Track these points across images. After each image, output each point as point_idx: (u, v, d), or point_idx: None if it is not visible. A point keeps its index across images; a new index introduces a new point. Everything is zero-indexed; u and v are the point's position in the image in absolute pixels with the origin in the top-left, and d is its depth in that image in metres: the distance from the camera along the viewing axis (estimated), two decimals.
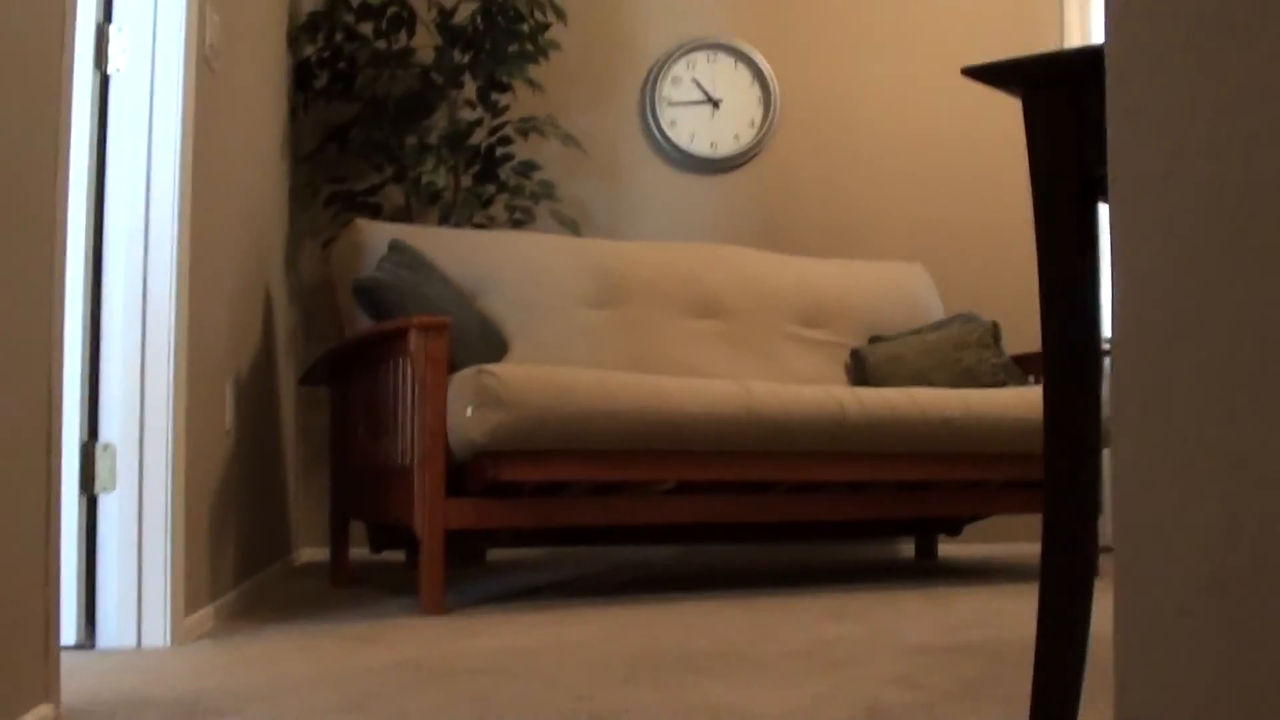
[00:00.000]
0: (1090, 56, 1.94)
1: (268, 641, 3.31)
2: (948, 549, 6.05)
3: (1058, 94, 1.99)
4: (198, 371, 3.51)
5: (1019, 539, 6.11)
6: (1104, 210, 2.79)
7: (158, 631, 3.24)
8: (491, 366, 3.91)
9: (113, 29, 3.29)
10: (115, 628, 3.23)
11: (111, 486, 3.24)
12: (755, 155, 6.10)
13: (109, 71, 3.29)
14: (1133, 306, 1.34)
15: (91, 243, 3.23)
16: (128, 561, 3.24)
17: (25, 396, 2.19)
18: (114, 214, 3.27)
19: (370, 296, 4.25)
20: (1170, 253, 1.30)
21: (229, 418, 3.93)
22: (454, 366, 4.25)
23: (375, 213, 5.47)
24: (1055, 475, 2.02)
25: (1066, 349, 2.05)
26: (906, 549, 6.07)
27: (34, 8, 2.22)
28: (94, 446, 3.23)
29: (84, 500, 3.22)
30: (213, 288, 3.71)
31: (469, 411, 3.83)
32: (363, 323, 4.51)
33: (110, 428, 3.25)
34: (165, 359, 3.27)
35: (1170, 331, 1.30)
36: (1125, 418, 1.33)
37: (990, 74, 2.01)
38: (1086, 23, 6.33)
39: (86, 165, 3.21)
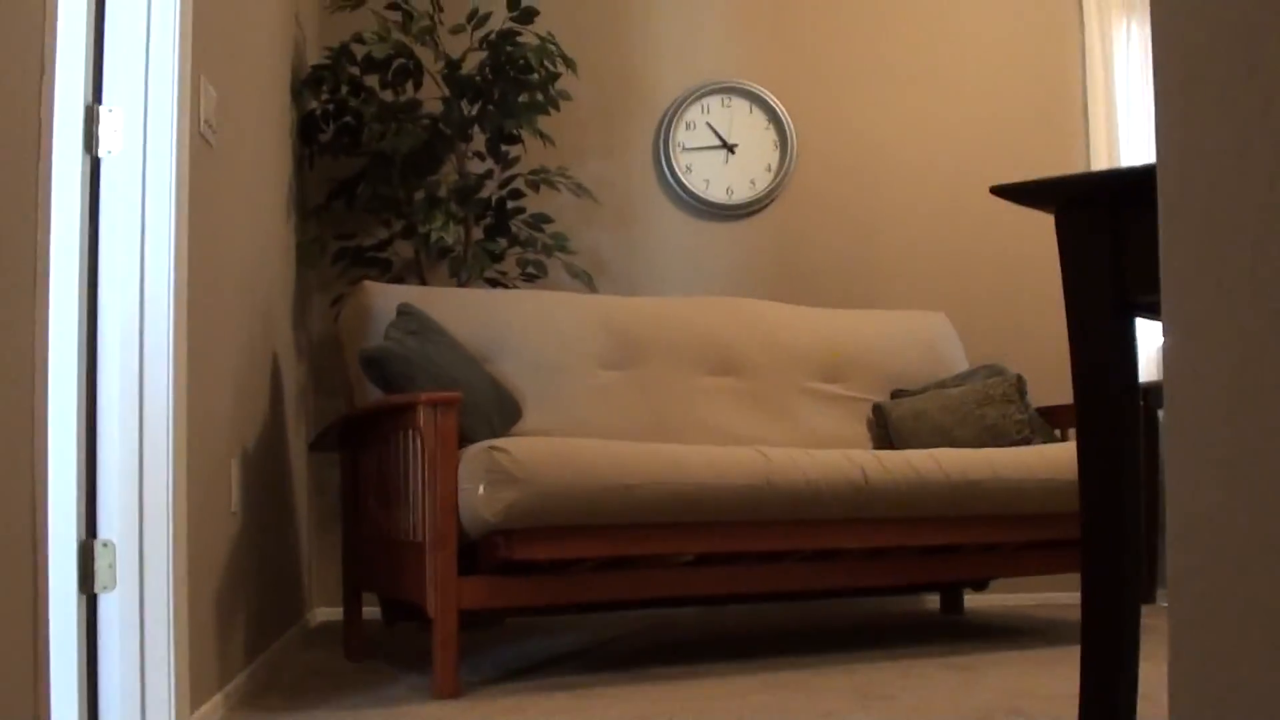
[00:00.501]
0: (1125, 178, 1.83)
1: None
2: (974, 600, 5.93)
3: (1092, 214, 1.88)
4: (200, 456, 3.40)
5: (1045, 589, 5.98)
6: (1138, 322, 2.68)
7: None
8: (503, 442, 3.80)
9: (103, 110, 3.19)
10: None
11: (112, 585, 3.13)
12: (772, 200, 5.99)
13: (99, 154, 3.18)
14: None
15: (85, 333, 3.12)
16: (130, 661, 3.14)
17: (8, 495, 2.09)
18: (107, 303, 3.16)
19: (379, 368, 4.15)
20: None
21: (235, 497, 3.83)
22: (466, 435, 4.15)
23: (384, 268, 5.37)
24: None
25: (1104, 465, 1.94)
26: (932, 601, 5.94)
27: (5, 89, 2.11)
28: (93, 545, 3.12)
29: (83, 600, 3.11)
30: (215, 366, 3.61)
31: (481, 489, 3.73)
32: (372, 392, 4.41)
33: (109, 525, 3.14)
34: (164, 450, 3.16)
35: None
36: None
37: (1022, 193, 1.90)
38: (1109, 66, 6.20)
39: (77, 253, 3.10)
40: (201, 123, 3.49)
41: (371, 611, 5.45)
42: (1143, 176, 1.79)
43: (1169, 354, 1.29)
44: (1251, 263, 1.17)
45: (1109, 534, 1.97)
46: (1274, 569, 1.16)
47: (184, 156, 3.27)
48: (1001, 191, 1.90)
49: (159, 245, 3.20)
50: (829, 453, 4.30)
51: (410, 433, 3.94)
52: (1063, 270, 1.92)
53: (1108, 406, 1.93)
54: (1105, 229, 1.87)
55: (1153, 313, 1.96)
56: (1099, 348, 1.93)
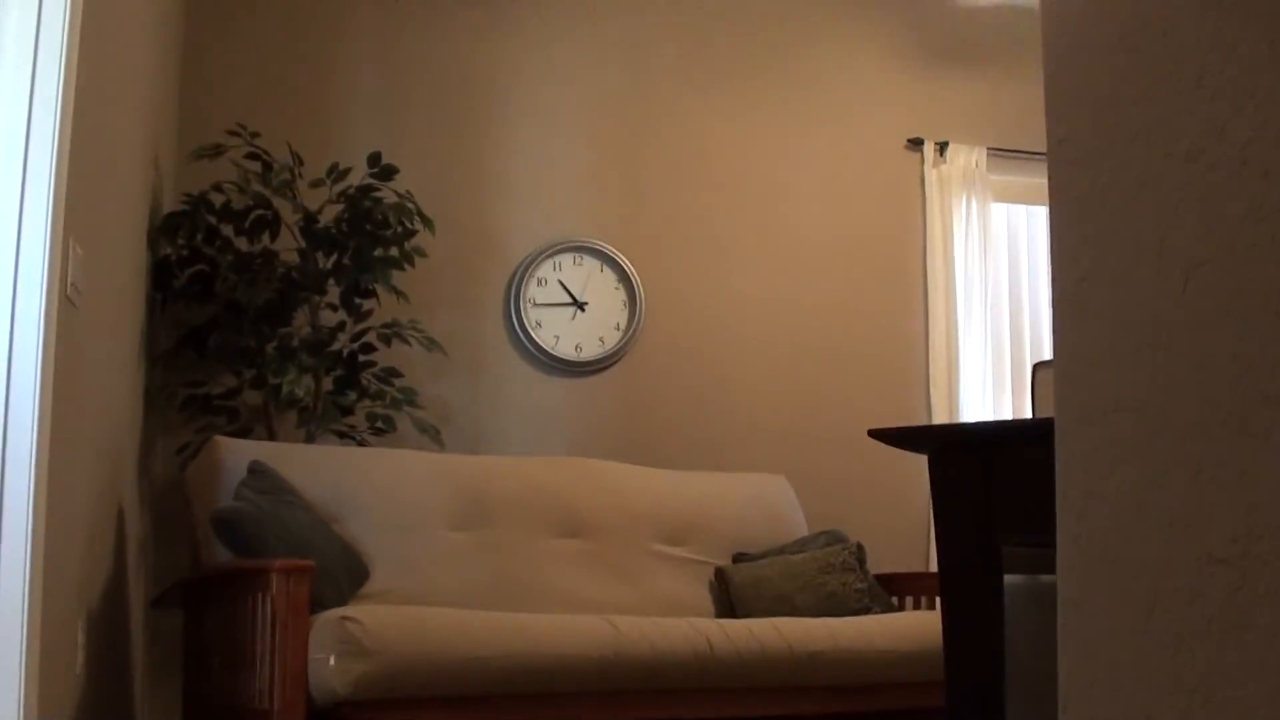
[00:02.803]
0: (995, 430, 1.93)
1: None
2: None
3: (964, 458, 1.99)
4: (50, 621, 3.35)
5: None
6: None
7: None
8: (355, 612, 3.81)
9: None
10: None
11: None
12: (620, 358, 6.09)
13: None
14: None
15: None
16: None
17: None
18: None
19: (231, 530, 4.13)
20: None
21: (80, 660, 3.77)
22: (315, 599, 4.13)
23: (232, 416, 5.34)
24: None
25: (971, 710, 2.03)
26: None
27: None
28: None
29: None
30: (69, 528, 3.57)
31: (332, 660, 3.72)
32: (220, 552, 4.38)
33: None
34: (18, 620, 3.12)
35: None
36: None
37: (898, 438, 2.00)
38: (949, 238, 6.43)
39: None
40: (69, 285, 3.48)
41: None
42: (1012, 430, 1.89)
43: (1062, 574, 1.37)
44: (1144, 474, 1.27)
45: None
46: None
47: (52, 325, 3.26)
48: (880, 435, 2.00)
49: (23, 413, 3.18)
50: (675, 622, 4.37)
51: (261, 597, 3.92)
52: (935, 509, 2.02)
53: (976, 646, 2.02)
54: (976, 472, 1.98)
55: (1022, 547, 2.07)
56: (968, 587, 2.02)
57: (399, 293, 5.40)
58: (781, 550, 5.34)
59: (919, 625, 4.68)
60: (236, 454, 4.65)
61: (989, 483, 1.97)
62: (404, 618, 3.87)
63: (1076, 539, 1.37)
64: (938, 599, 4.54)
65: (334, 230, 5.30)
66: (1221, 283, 1.16)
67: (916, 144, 6.60)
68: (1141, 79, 1.24)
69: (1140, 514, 1.27)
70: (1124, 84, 1.25)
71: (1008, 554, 2.20)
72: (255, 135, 5.32)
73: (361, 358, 5.42)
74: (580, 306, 6.05)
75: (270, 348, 5.23)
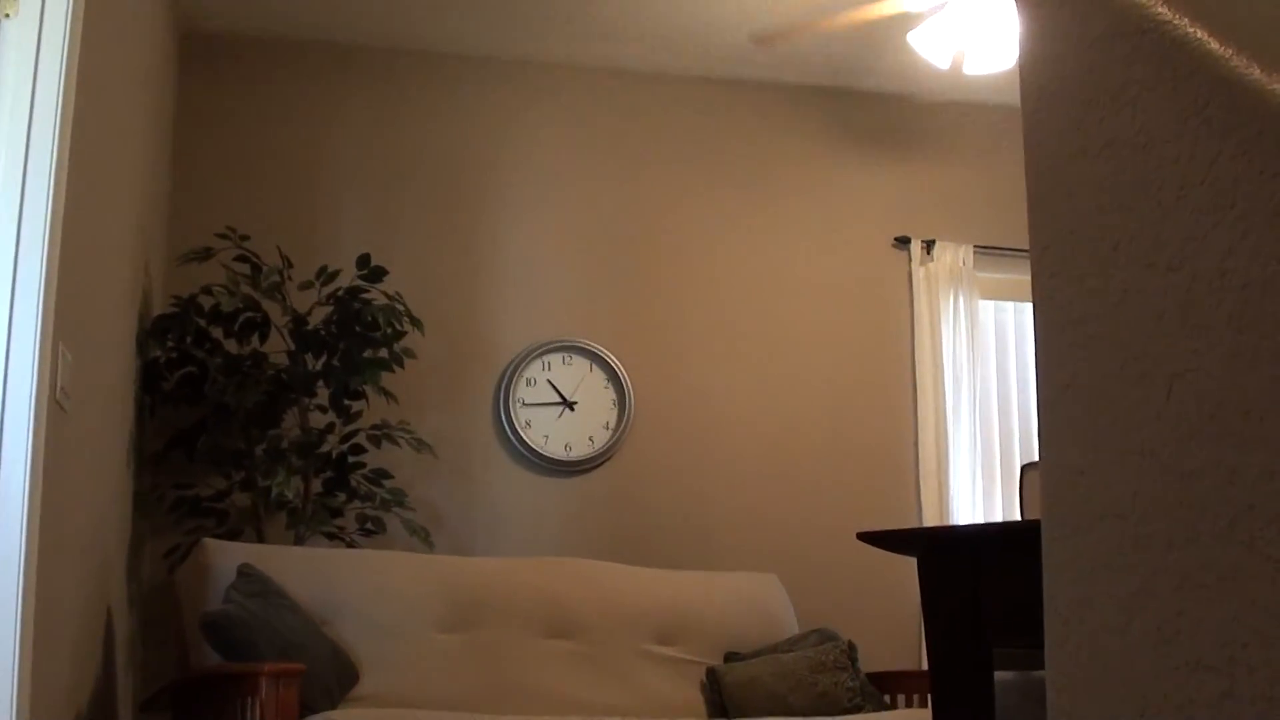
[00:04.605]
0: (983, 533, 1.94)
1: None
2: None
3: (954, 562, 1.99)
4: None
5: None
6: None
7: None
8: (342, 715, 3.80)
9: None
10: None
11: None
12: (610, 458, 6.10)
13: None
14: None
15: None
16: None
17: None
18: None
19: (220, 633, 4.12)
20: None
21: None
22: (305, 702, 4.11)
23: (221, 518, 5.33)
24: None
25: None
26: None
27: None
28: None
29: None
30: (57, 636, 3.56)
31: None
32: (210, 655, 4.35)
33: None
34: None
35: None
36: None
37: (887, 540, 2.01)
38: (937, 335, 6.47)
39: None
40: (58, 390, 3.49)
41: None
42: (1000, 532, 1.90)
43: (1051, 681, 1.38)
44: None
45: None
46: None
47: (40, 430, 3.26)
48: (869, 539, 2.00)
49: (11, 517, 3.17)
50: None
51: (250, 701, 3.89)
52: (924, 609, 2.02)
53: None
54: (965, 574, 1.98)
55: (1010, 647, 2.07)
56: (958, 677, 2.02)
57: (388, 394, 5.41)
58: (773, 649, 5.31)
59: None
60: (225, 556, 4.63)
61: (978, 584, 1.97)
62: None
63: (1064, 645, 1.38)
64: (929, 697, 4.53)
65: (323, 332, 5.32)
66: (1204, 392, 1.17)
67: (903, 242, 6.65)
68: (1123, 190, 1.26)
69: (1128, 621, 1.28)
70: (1105, 194, 1.27)
71: (999, 650, 2.20)
72: (245, 238, 5.35)
73: (351, 459, 5.42)
74: (570, 406, 6.06)
75: (259, 450, 5.23)
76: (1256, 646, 1.14)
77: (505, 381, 6.01)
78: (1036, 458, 1.69)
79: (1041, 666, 1.51)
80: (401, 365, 5.41)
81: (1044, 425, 1.38)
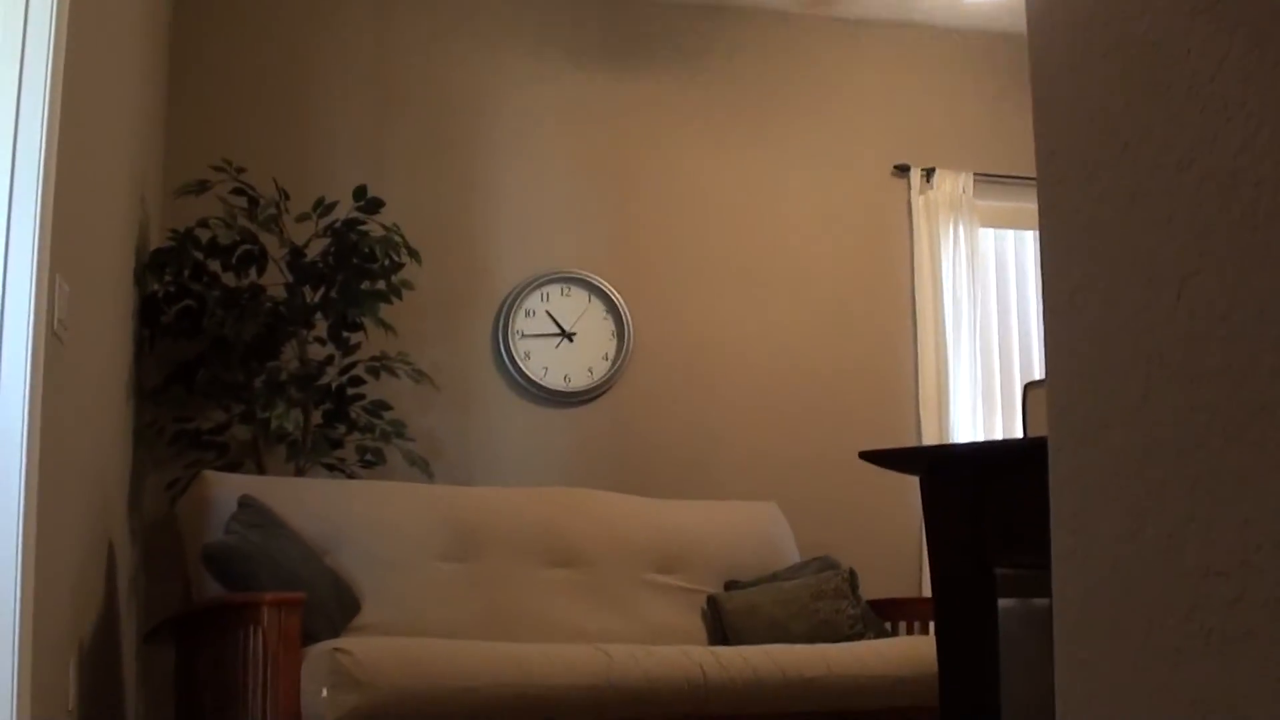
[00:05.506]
0: (986, 450, 1.93)
1: None
2: None
3: (956, 481, 1.98)
4: (42, 659, 3.34)
5: None
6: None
7: None
8: (346, 643, 3.79)
9: None
10: None
11: None
12: (609, 388, 6.09)
13: None
14: None
15: None
16: None
17: None
18: None
19: (221, 564, 4.12)
20: None
21: (72, 697, 3.75)
22: (307, 632, 4.11)
23: (222, 451, 5.33)
24: None
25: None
26: None
27: None
28: None
29: None
30: (58, 565, 3.55)
31: (324, 692, 3.70)
32: (211, 587, 4.36)
33: None
34: (9, 656, 3.10)
35: None
36: None
37: (889, 459, 2.00)
38: (937, 264, 6.45)
39: None
40: (55, 322, 3.47)
41: None
42: (1003, 450, 1.89)
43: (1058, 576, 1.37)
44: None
45: None
46: None
47: (39, 361, 3.25)
48: (871, 457, 1.99)
49: (10, 448, 3.17)
50: (668, 650, 4.35)
51: (252, 631, 3.90)
52: (927, 530, 2.01)
53: (971, 669, 2.01)
54: (968, 492, 1.97)
55: (1013, 567, 2.06)
56: (962, 612, 2.01)
57: (387, 326, 5.39)
58: (774, 577, 5.32)
59: (913, 650, 4.67)
60: (226, 488, 4.63)
61: (981, 503, 1.96)
62: (396, 649, 3.85)
63: (1071, 556, 1.37)
64: (931, 624, 4.54)
65: (321, 264, 5.29)
66: (1214, 293, 1.15)
67: (903, 170, 6.61)
68: (1131, 90, 1.23)
69: (1137, 529, 1.27)
70: (1113, 96, 1.25)
71: (1001, 578, 2.19)
72: (241, 170, 5.32)
73: (350, 391, 5.41)
74: (568, 337, 6.04)
75: (258, 382, 5.22)
76: (1268, 550, 1.13)
77: (504, 313, 5.99)
78: (1039, 379, 1.67)
79: (1044, 593, 1.50)
80: (400, 297, 5.39)
81: (1050, 333, 1.36)
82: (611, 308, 6.10)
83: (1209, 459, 1.18)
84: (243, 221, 5.23)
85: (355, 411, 5.41)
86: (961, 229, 6.51)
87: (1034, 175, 1.39)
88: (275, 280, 5.35)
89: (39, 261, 3.26)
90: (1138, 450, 1.26)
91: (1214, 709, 1.17)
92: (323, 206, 5.34)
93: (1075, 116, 1.30)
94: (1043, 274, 1.36)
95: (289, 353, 5.39)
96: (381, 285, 5.33)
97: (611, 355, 6.08)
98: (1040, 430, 1.75)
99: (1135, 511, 1.26)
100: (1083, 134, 1.29)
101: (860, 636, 4.98)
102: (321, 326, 5.43)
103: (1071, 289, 1.31)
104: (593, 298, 6.10)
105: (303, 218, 5.38)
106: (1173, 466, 1.22)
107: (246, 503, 4.48)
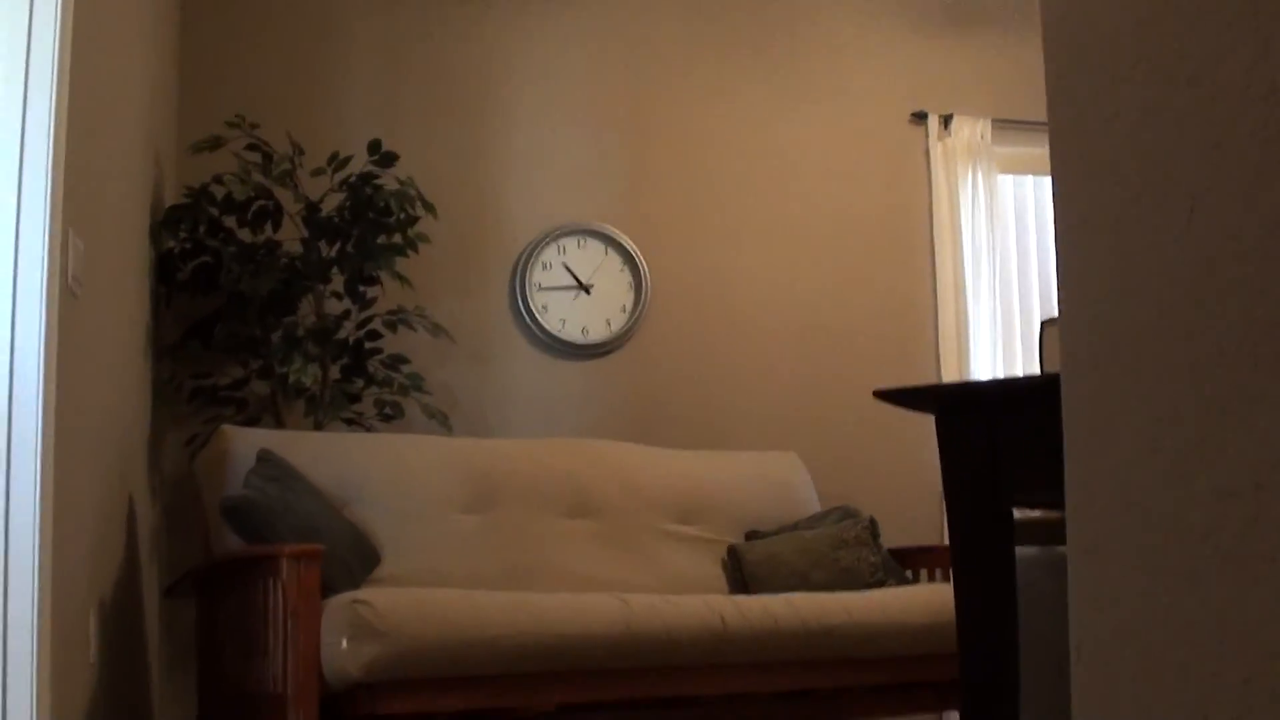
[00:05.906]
0: (1001, 388, 1.91)
1: None
2: None
3: (972, 419, 1.97)
4: (62, 610, 3.35)
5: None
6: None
7: None
8: (366, 594, 3.80)
9: None
10: None
11: None
12: (627, 340, 6.08)
13: None
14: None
15: None
16: None
17: None
18: None
19: (240, 517, 4.12)
20: None
21: (93, 649, 3.77)
22: (327, 584, 4.12)
23: (240, 406, 5.33)
24: None
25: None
26: None
27: None
28: None
29: None
30: (78, 517, 3.57)
31: (344, 643, 3.71)
32: (231, 540, 4.37)
33: None
34: (29, 607, 3.11)
35: None
36: None
37: (904, 397, 1.98)
38: (955, 211, 6.42)
39: None
40: (70, 278, 3.47)
41: None
42: (1018, 386, 1.87)
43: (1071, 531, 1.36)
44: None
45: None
46: None
47: (53, 316, 3.25)
48: (886, 396, 1.98)
49: (27, 402, 3.17)
50: (688, 599, 4.36)
51: (272, 583, 3.91)
52: (943, 470, 2.00)
53: (985, 593, 2.00)
54: (984, 430, 1.96)
55: (1029, 506, 2.06)
56: (978, 537, 2.00)
57: (403, 279, 5.38)
58: (794, 527, 5.32)
59: (933, 598, 4.66)
60: (245, 443, 4.64)
61: (997, 440, 1.95)
62: (415, 599, 3.86)
63: (1086, 483, 1.35)
64: (951, 570, 4.53)
65: (336, 219, 5.28)
66: (1227, 210, 1.14)
67: (921, 117, 6.58)
68: (1141, 6, 1.22)
69: (1151, 453, 1.25)
70: (1123, 12, 1.23)
71: (1020, 524, 2.18)
72: (255, 126, 5.31)
73: (368, 345, 5.41)
74: (585, 289, 6.03)
75: (276, 337, 5.22)
76: None
77: (521, 265, 5.98)
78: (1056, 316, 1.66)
79: (1063, 540, 1.49)
80: (416, 250, 5.37)
81: (1061, 258, 1.34)
82: (628, 259, 6.09)
83: (1222, 379, 1.16)
84: (257, 177, 5.22)
85: (373, 365, 5.41)
86: (980, 175, 6.47)
87: None
88: (291, 235, 5.34)
89: (51, 216, 3.26)
90: (1150, 373, 1.24)
91: (1229, 632, 1.16)
92: (337, 161, 5.32)
93: (1085, 34, 1.28)
94: (1054, 198, 1.34)
95: (306, 307, 5.39)
96: (397, 239, 5.32)
97: (629, 307, 6.07)
98: (1057, 367, 1.74)
99: (1148, 434, 1.25)
100: (1093, 52, 1.27)
101: (881, 584, 4.98)
102: (338, 281, 5.43)
103: (1082, 214, 1.29)
104: (609, 250, 6.08)
105: (317, 172, 5.36)
106: (1186, 388, 1.20)
107: (265, 457, 4.48)
